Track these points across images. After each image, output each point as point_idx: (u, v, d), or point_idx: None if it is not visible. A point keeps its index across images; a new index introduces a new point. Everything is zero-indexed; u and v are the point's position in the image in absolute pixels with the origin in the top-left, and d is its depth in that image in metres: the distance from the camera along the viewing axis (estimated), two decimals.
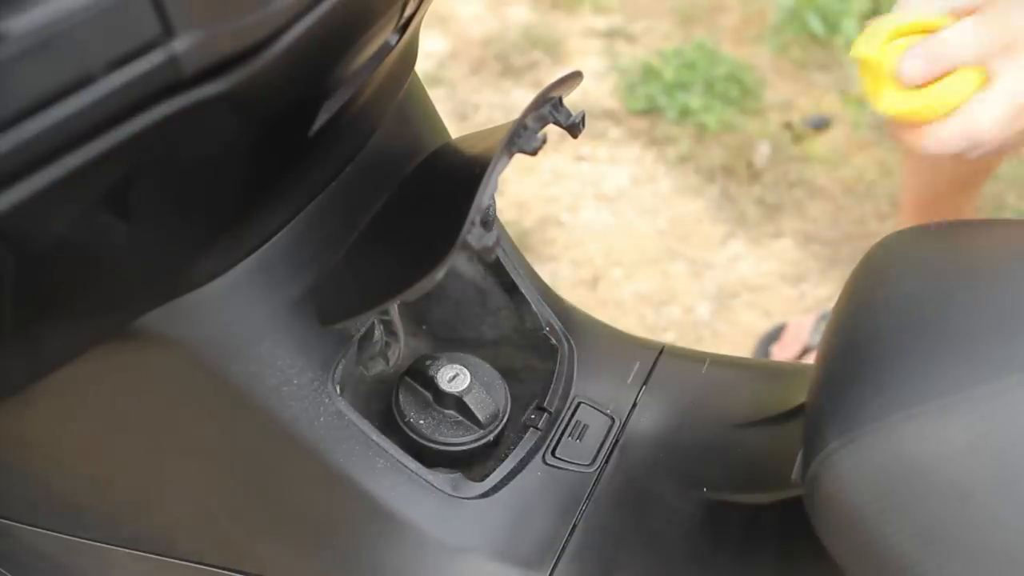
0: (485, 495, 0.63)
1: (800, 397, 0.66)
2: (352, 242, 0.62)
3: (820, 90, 2.14)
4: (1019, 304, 0.47)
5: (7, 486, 0.67)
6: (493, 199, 0.67)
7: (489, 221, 0.60)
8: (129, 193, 0.45)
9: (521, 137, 0.58)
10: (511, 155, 0.58)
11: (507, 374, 0.69)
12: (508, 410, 0.67)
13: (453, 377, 0.66)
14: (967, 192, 1.49)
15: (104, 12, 0.38)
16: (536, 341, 0.71)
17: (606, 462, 0.67)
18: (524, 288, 0.71)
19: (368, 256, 0.62)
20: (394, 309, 0.67)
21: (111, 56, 0.39)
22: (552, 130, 0.66)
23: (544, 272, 1.65)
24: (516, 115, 0.62)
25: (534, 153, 0.59)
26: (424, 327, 0.72)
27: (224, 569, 0.65)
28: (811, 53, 2.22)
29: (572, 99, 0.61)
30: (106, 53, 0.39)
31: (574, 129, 0.61)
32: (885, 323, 0.49)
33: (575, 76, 0.63)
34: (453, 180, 0.61)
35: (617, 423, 0.69)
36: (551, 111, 0.61)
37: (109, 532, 0.66)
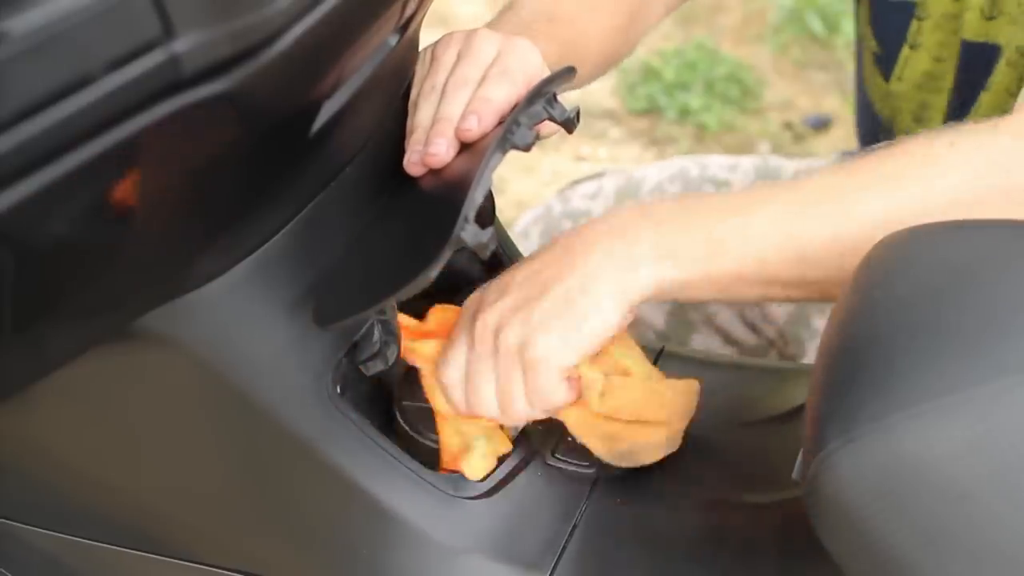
0: (485, 495, 0.63)
1: (800, 397, 0.66)
2: (348, 242, 0.62)
3: (820, 90, 2.14)
4: (1019, 304, 0.47)
5: (7, 486, 0.67)
6: (492, 197, 0.67)
7: (485, 218, 0.60)
8: (129, 193, 0.45)
9: (514, 134, 0.58)
10: (504, 151, 0.58)
11: None
12: None
13: None
14: None
15: (104, 12, 0.38)
16: None
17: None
18: None
19: (364, 255, 0.62)
20: (392, 309, 0.67)
21: (111, 56, 0.39)
22: (552, 130, 0.66)
23: None
24: None
25: (527, 149, 0.59)
26: None
27: (224, 569, 0.65)
28: (811, 53, 2.22)
29: (572, 98, 0.61)
30: (106, 53, 0.39)
31: (569, 124, 0.61)
32: (885, 323, 0.49)
33: (568, 71, 0.63)
34: (448, 177, 0.61)
35: None
36: (545, 107, 0.60)
37: (109, 532, 0.66)
